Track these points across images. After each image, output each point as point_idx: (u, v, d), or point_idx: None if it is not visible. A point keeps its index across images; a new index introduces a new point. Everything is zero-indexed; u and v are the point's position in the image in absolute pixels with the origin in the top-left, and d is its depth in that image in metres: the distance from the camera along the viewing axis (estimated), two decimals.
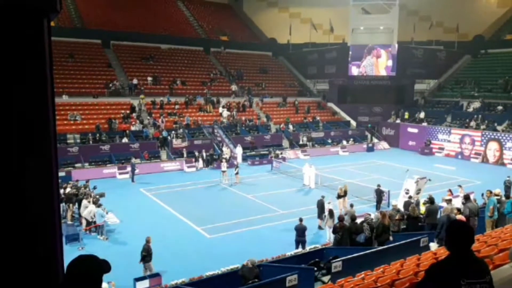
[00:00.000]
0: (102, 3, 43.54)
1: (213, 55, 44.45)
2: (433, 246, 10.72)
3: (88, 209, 16.30)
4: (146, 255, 11.96)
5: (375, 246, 11.61)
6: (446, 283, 2.57)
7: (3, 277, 2.02)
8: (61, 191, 17.59)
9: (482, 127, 32.33)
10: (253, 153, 31.76)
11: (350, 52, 40.17)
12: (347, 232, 12.19)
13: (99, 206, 16.21)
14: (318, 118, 38.87)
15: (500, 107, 33.66)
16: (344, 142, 36.04)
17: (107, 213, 16.78)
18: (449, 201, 13.41)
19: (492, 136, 30.71)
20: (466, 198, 13.08)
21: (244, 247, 14.53)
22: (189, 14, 49.27)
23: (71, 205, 17.34)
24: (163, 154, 29.39)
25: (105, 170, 26.08)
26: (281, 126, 36.05)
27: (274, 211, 18.87)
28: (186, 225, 17.24)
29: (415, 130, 36.45)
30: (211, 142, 31.17)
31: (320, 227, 16.29)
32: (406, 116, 38.48)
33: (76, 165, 25.98)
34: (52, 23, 2.31)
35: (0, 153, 1.98)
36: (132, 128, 30.56)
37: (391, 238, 11.76)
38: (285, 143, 34.38)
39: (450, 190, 16.66)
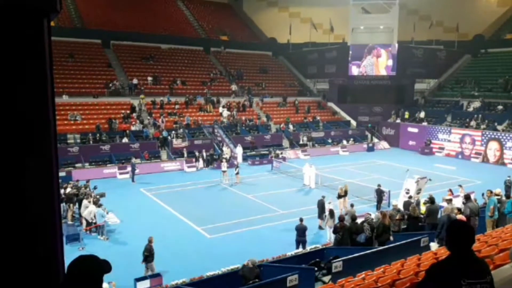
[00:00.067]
0: (102, 3, 43.54)
1: (213, 55, 44.45)
2: (434, 246, 10.72)
3: (88, 209, 16.30)
4: (148, 255, 11.95)
5: (375, 246, 11.60)
6: (446, 283, 2.56)
7: (3, 277, 2.02)
8: (62, 191, 17.58)
9: (482, 126, 32.30)
10: (253, 153, 31.74)
11: (350, 52, 40.16)
12: (347, 232, 12.18)
13: (99, 206, 16.23)
14: (318, 118, 38.86)
15: (500, 107, 33.64)
16: (344, 142, 36.03)
17: (107, 213, 16.83)
18: (449, 201, 13.39)
19: (493, 136, 30.69)
20: (467, 198, 13.06)
21: (244, 247, 14.53)
22: (189, 14, 49.26)
23: (71, 205, 17.36)
24: (163, 154, 29.39)
25: (105, 170, 26.09)
26: (281, 126, 36.04)
27: (274, 211, 18.87)
28: (187, 225, 17.24)
29: (415, 130, 36.41)
30: (211, 142, 31.16)
31: (320, 227, 16.29)
32: (406, 116, 38.43)
33: (77, 165, 26.00)
34: (52, 23, 2.31)
35: (0, 153, 1.98)
36: (132, 128, 30.57)
37: (391, 238, 11.76)
38: (285, 143, 34.36)
39: (450, 190, 16.66)
